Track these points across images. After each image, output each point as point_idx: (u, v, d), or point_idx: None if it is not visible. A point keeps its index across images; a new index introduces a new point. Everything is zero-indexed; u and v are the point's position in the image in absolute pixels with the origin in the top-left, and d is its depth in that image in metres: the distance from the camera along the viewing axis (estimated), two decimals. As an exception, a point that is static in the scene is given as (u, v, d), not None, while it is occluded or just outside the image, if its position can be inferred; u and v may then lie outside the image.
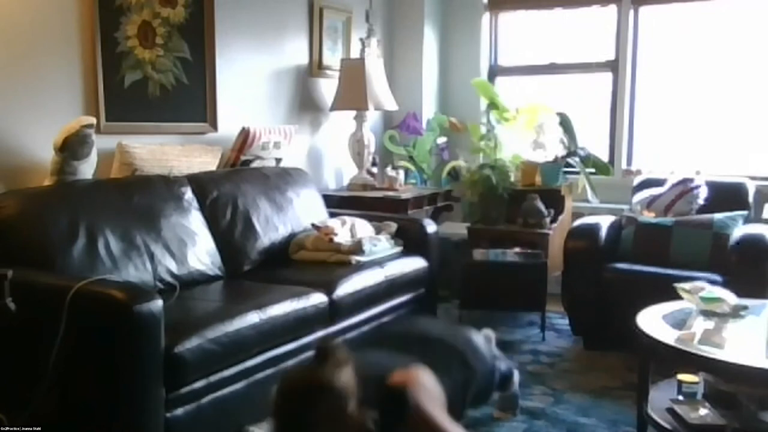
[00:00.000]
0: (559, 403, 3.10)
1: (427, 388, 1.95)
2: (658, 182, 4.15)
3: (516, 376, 2.95)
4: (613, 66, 4.78)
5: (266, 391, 2.39)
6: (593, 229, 3.83)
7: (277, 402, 1.75)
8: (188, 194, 3.33)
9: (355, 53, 4.72)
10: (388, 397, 1.86)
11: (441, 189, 4.86)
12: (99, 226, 2.83)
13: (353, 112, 4.61)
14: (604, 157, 4.76)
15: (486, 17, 5.16)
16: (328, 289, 3.10)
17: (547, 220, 4.23)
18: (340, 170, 4.84)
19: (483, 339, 2.59)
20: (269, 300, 2.82)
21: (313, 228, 3.62)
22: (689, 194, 3.97)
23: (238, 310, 2.71)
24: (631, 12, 4.69)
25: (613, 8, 4.76)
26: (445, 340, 2.40)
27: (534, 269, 3.90)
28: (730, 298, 2.72)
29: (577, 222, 4.01)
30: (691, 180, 4.03)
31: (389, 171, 4.65)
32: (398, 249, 3.77)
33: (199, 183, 3.43)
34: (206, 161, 3.62)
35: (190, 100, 3.72)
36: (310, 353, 2.88)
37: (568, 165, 4.50)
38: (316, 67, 4.54)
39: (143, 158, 3.28)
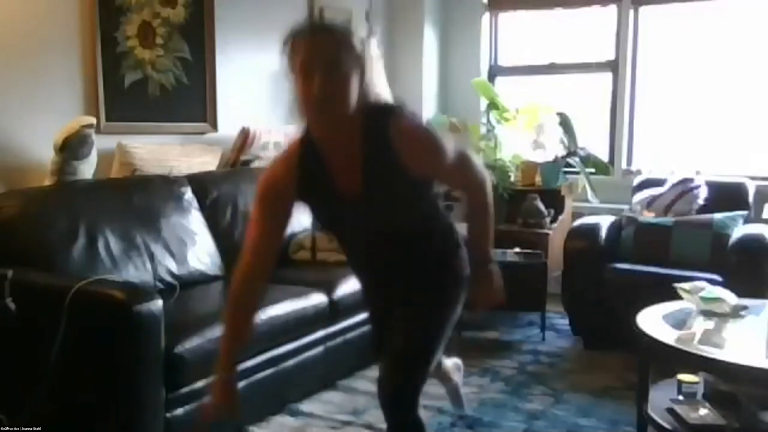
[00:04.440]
0: (559, 403, 3.10)
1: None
2: (658, 182, 4.15)
3: (460, 370, 2.74)
4: (613, 66, 4.78)
5: (267, 391, 2.38)
6: (593, 229, 3.83)
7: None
8: (188, 194, 3.33)
9: (355, 53, 4.71)
10: None
11: (441, 189, 4.85)
12: (99, 226, 2.83)
13: (353, 112, 4.60)
14: (604, 157, 4.76)
15: (486, 17, 5.16)
16: (328, 289, 3.10)
17: (547, 220, 4.23)
18: (340, 170, 4.82)
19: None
20: (269, 300, 2.81)
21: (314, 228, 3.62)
22: (689, 194, 3.97)
23: (238, 310, 2.70)
24: (631, 12, 4.69)
25: (613, 8, 4.75)
26: None
27: (534, 269, 3.89)
28: (730, 298, 2.72)
29: (577, 222, 4.01)
30: (691, 180, 4.03)
31: (389, 171, 4.63)
32: (398, 249, 3.76)
33: (199, 183, 3.43)
34: (206, 161, 3.62)
35: (190, 100, 3.72)
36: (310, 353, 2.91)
37: (568, 165, 4.50)
38: (316, 67, 4.52)
39: (143, 158, 3.28)
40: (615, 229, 3.91)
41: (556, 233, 4.20)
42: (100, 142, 3.12)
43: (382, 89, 4.54)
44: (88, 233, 2.78)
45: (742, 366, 2.23)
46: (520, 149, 4.48)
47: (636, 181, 4.31)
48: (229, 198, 3.50)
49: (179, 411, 2.43)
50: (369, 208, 1.83)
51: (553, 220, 4.27)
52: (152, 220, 3.06)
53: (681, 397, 2.56)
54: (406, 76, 5.09)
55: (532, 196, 4.26)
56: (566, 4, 4.91)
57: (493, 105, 4.72)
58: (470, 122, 4.88)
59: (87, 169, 3.03)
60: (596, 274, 3.65)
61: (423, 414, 1.97)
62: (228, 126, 3.86)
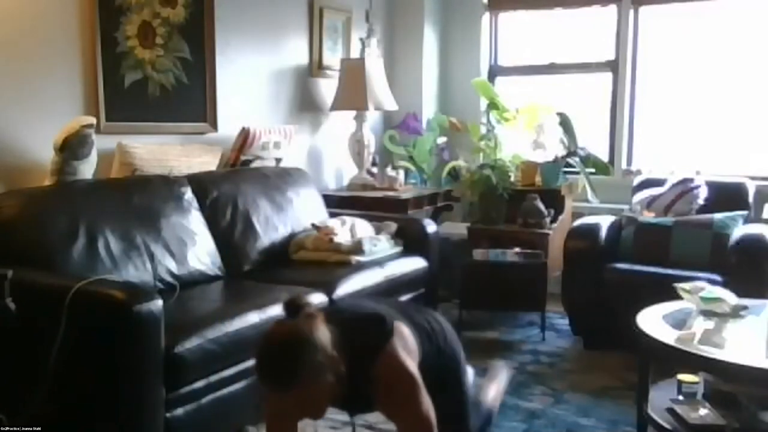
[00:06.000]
0: (559, 403, 3.10)
1: (404, 338, 1.99)
2: (658, 182, 4.15)
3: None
4: (613, 66, 4.78)
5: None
6: (593, 229, 3.83)
7: (260, 359, 1.83)
8: (188, 194, 3.33)
9: (355, 53, 4.72)
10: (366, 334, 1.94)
11: (441, 189, 4.86)
12: (99, 226, 2.83)
13: (353, 112, 4.61)
14: (604, 157, 4.75)
15: (486, 17, 5.16)
16: (328, 289, 3.10)
17: (547, 220, 4.23)
18: (340, 170, 4.83)
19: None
20: (269, 300, 2.82)
21: (313, 228, 3.62)
22: (689, 194, 3.97)
23: (238, 310, 2.71)
24: (631, 12, 4.69)
25: (613, 8, 4.75)
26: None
27: (534, 269, 3.90)
28: (730, 298, 2.72)
29: (577, 222, 4.01)
30: (691, 180, 4.03)
31: (389, 171, 4.64)
32: (398, 249, 3.77)
33: (199, 183, 3.43)
34: (206, 161, 3.62)
35: (190, 100, 3.72)
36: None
37: (568, 165, 4.50)
38: (316, 67, 4.54)
39: (143, 158, 3.28)
40: (615, 229, 3.91)
41: (556, 233, 4.20)
42: (100, 142, 3.12)
43: (381, 89, 4.54)
44: (88, 233, 2.78)
45: (742, 366, 2.24)
46: (520, 149, 4.48)
47: (636, 181, 4.31)
48: (229, 198, 3.50)
49: (179, 411, 2.42)
50: None
51: (553, 220, 4.27)
52: (152, 220, 3.06)
53: (681, 397, 2.56)
54: (406, 76, 5.09)
55: (532, 196, 4.26)
56: (566, 4, 4.91)
57: (493, 105, 4.72)
58: (470, 122, 4.88)
59: (87, 169, 3.03)
60: (596, 274, 3.65)
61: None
62: (228, 126, 3.86)
